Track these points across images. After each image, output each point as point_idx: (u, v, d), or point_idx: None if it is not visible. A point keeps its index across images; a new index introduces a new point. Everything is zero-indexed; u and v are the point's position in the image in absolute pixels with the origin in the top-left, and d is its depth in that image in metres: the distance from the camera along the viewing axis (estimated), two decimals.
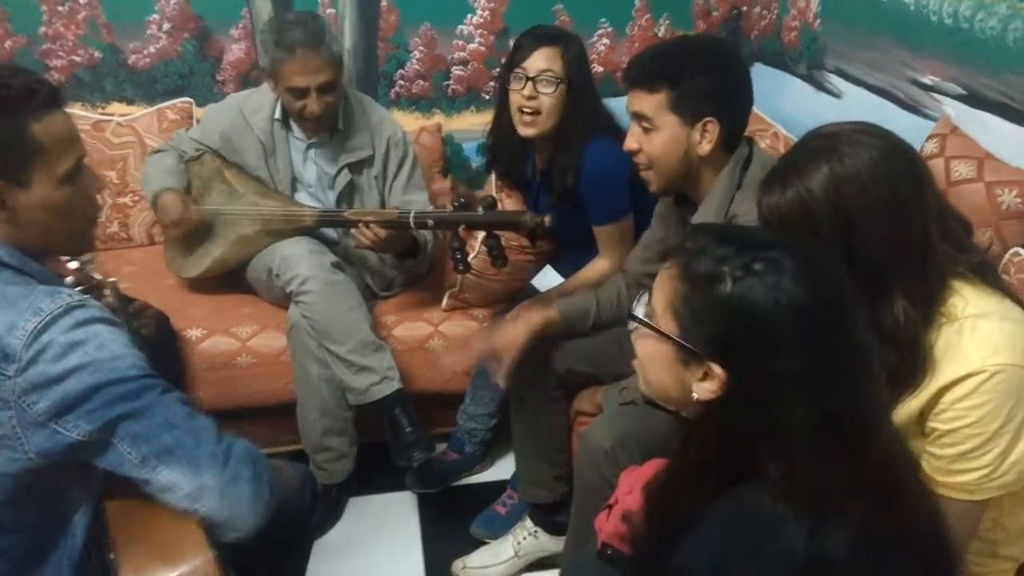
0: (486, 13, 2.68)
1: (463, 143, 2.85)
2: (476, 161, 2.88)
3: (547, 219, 1.79)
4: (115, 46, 2.56)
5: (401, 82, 2.74)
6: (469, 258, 1.94)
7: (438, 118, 2.80)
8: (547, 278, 2.28)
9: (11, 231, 1.05)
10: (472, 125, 2.82)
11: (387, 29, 2.67)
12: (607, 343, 1.78)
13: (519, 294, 2.20)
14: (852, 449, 0.85)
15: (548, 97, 1.88)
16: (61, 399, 0.98)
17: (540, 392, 1.86)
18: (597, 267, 2.00)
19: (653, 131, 1.48)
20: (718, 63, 1.50)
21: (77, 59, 2.55)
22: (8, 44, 2.50)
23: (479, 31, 2.71)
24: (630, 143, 1.52)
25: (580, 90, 1.90)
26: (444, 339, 2.17)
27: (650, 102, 1.47)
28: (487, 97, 2.80)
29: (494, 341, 1.74)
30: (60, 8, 2.49)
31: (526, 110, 1.89)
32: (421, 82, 2.75)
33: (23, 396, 0.97)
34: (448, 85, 2.77)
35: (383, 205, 2.19)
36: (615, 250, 1.96)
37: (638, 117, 1.50)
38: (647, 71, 1.49)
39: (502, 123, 2.01)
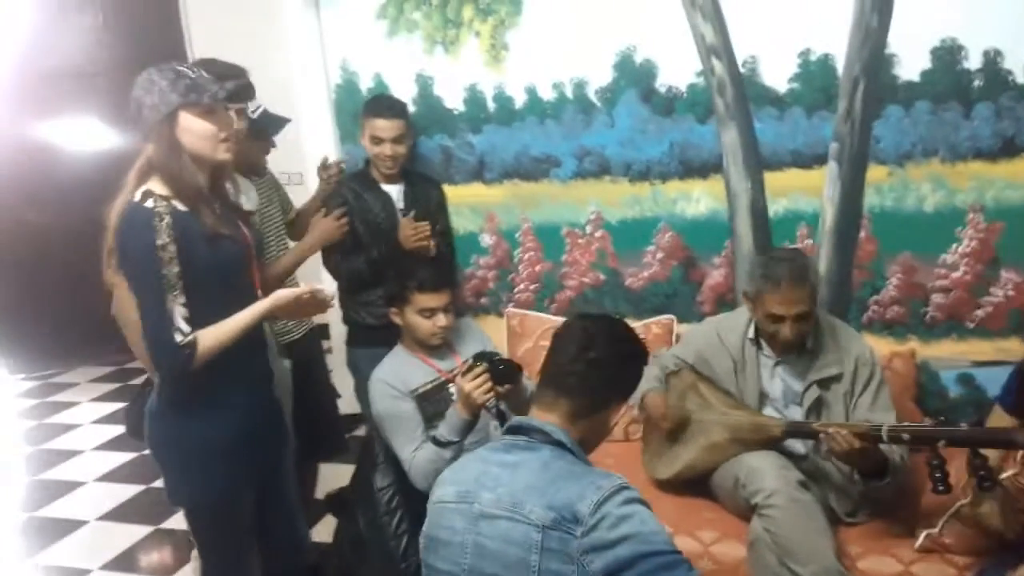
0: (974, 243, 2.61)
1: (940, 371, 2.71)
2: (954, 391, 2.70)
3: None
4: (617, 270, 3.07)
5: (875, 307, 2.75)
6: (951, 479, 1.82)
7: (913, 344, 2.72)
8: None
9: (578, 432, 1.42)
10: (952, 354, 2.68)
11: (863, 257, 2.74)
12: None
13: (1013, 545, 1.94)
14: None
15: None
16: (612, 561, 1.21)
17: None
18: None
19: None
20: None
21: (586, 280, 3.11)
22: (539, 267, 3.17)
23: (965, 260, 2.63)
24: None
25: None
26: None
27: None
28: (971, 326, 2.65)
29: None
30: (580, 240, 3.09)
31: None
32: (896, 308, 2.73)
33: (584, 554, 1.22)
34: (926, 312, 2.70)
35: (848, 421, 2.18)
36: None
37: None
38: None
39: None
